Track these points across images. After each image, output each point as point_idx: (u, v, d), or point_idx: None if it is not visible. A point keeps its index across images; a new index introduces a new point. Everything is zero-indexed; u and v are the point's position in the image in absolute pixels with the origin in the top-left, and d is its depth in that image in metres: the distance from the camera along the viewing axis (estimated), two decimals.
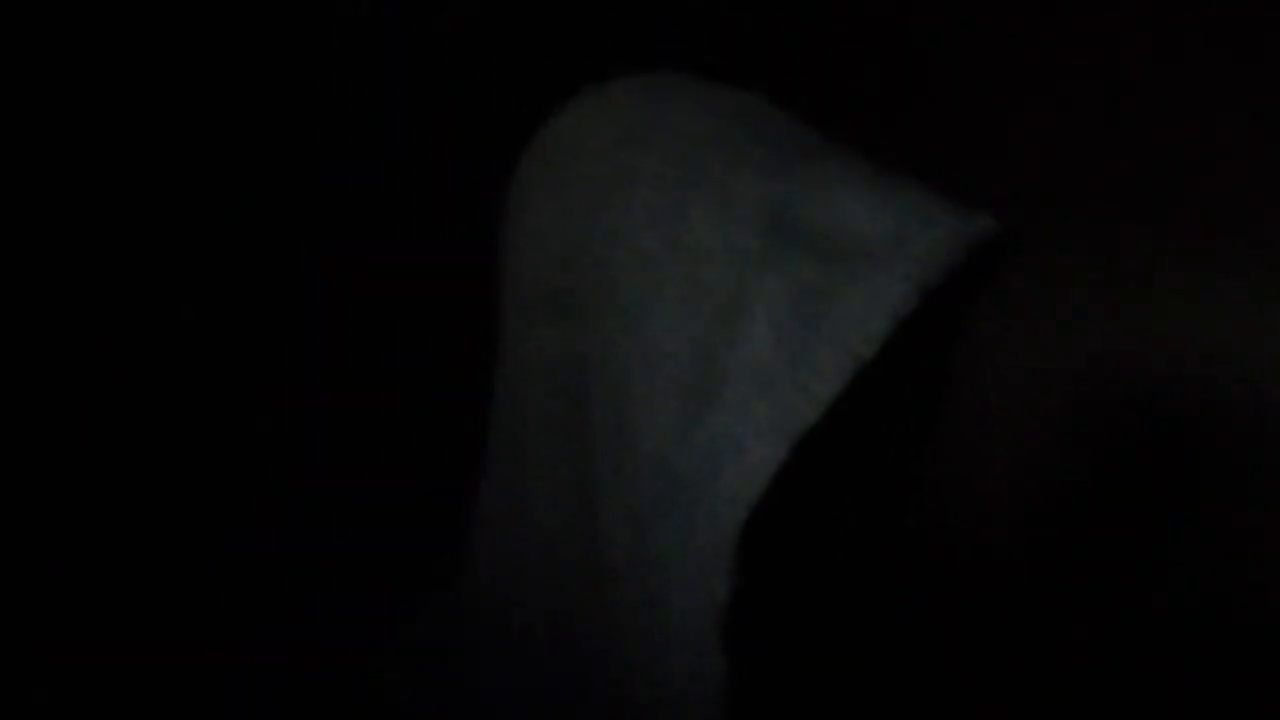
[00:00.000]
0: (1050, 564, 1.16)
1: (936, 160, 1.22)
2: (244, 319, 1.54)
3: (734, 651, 0.65)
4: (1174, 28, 1.19)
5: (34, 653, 1.47)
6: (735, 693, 0.65)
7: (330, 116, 1.55)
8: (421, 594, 0.78)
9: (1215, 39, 1.17)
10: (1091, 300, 1.15)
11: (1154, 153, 1.18)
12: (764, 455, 0.64)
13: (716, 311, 0.66)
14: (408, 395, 1.57)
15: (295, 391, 1.55)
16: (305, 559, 1.55)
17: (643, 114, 0.68)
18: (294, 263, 1.55)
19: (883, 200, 0.66)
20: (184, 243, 1.51)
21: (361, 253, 1.54)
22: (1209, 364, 1.13)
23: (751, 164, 0.66)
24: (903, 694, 1.06)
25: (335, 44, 1.52)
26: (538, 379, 0.69)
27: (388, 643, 0.75)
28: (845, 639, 0.75)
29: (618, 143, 0.67)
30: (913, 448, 0.73)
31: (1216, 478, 1.12)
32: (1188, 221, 1.16)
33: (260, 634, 1.51)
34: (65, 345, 1.48)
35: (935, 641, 1.11)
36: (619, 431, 0.66)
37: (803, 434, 0.64)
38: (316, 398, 1.55)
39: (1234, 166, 1.16)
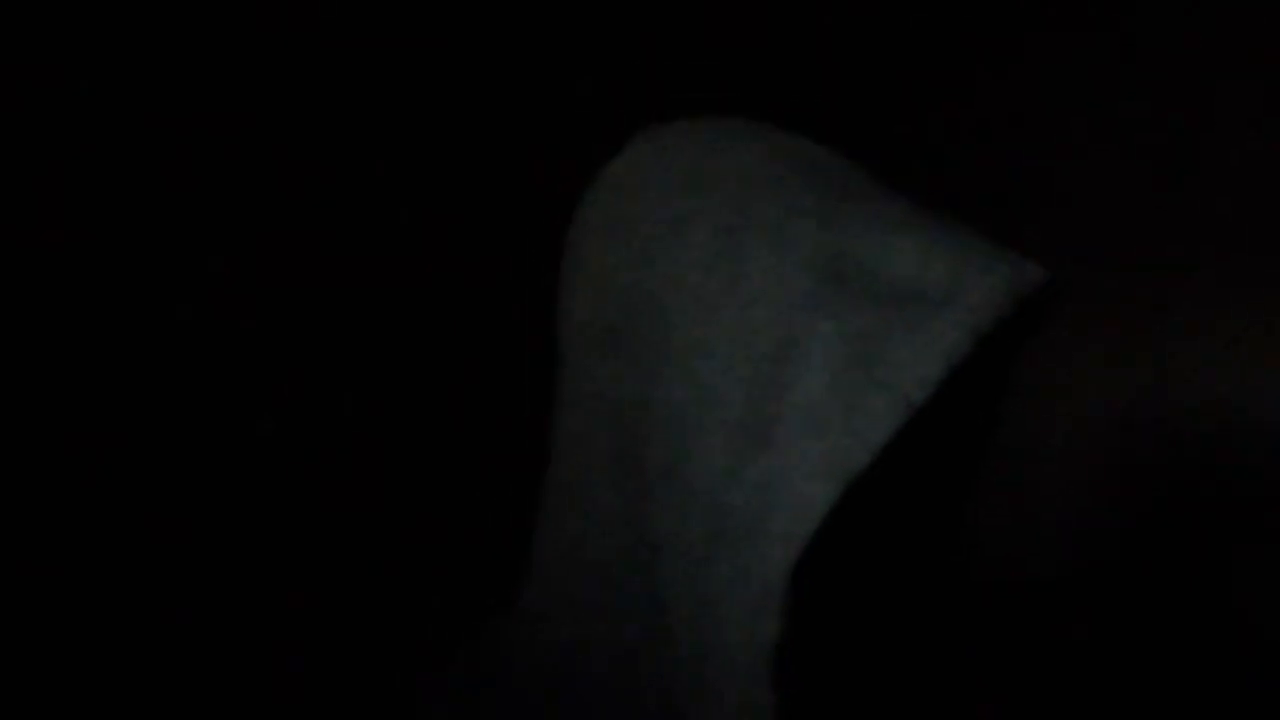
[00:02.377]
0: (1097, 602, 1.15)
1: (986, 204, 1.22)
2: (236, 309, 1.54)
3: (784, 687, 0.66)
4: (1212, 80, 1.19)
5: (35, 654, 1.46)
6: None
7: (382, 144, 1.55)
8: (477, 629, 0.80)
9: (1258, 94, 1.17)
10: (1138, 345, 1.15)
11: (1201, 200, 1.18)
12: (815, 496, 0.65)
13: (770, 354, 0.67)
14: (467, 432, 1.58)
15: (288, 385, 1.55)
16: (299, 557, 1.55)
17: (700, 157, 0.69)
18: (342, 291, 1.55)
19: (937, 246, 0.67)
20: (192, 243, 1.50)
21: (353, 241, 1.55)
22: (1252, 406, 1.12)
23: (806, 209, 0.67)
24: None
25: (383, 68, 1.52)
26: (595, 416, 0.70)
27: (443, 678, 0.76)
28: (894, 676, 0.75)
29: (675, 186, 0.69)
30: (962, 489, 0.74)
31: (1259, 517, 1.12)
32: (1232, 266, 1.16)
33: (255, 631, 1.51)
34: (65, 345, 1.48)
35: (982, 677, 1.11)
36: (672, 470, 0.68)
37: (854, 476, 0.65)
38: (309, 391, 1.55)
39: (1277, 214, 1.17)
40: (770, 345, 0.67)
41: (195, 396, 1.52)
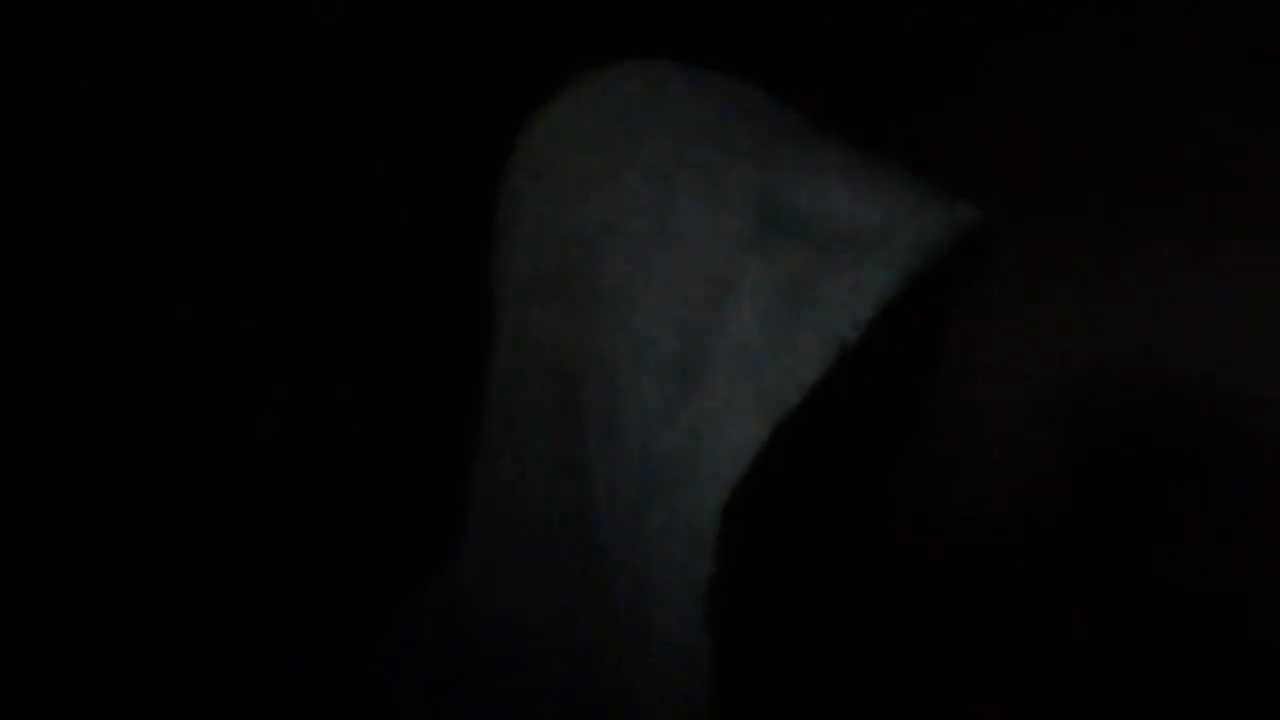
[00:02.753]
0: (1044, 554, 1.14)
1: (933, 157, 1.22)
2: (236, 309, 1.54)
3: (719, 629, 0.65)
4: (1173, 30, 1.18)
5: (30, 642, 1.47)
6: (720, 669, 0.65)
7: (382, 144, 1.56)
8: (420, 583, 0.80)
9: (1214, 45, 1.17)
10: (1087, 298, 1.15)
11: (1150, 154, 1.18)
12: (746, 437, 0.65)
13: (703, 297, 0.67)
14: (400, 388, 1.58)
15: (288, 385, 1.56)
16: (300, 557, 1.55)
17: (635, 101, 0.70)
18: (288, 253, 1.56)
19: (871, 188, 0.67)
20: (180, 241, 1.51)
21: (353, 241, 1.55)
22: (1200, 361, 1.12)
23: (741, 151, 0.67)
24: (887, 674, 1.06)
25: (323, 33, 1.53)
26: (531, 364, 0.70)
27: (388, 634, 0.76)
28: (828, 620, 0.75)
29: (610, 130, 0.69)
30: (899, 434, 0.73)
31: (1207, 472, 1.11)
32: (1183, 222, 1.15)
33: (255, 631, 1.51)
34: (65, 345, 1.49)
35: (920, 623, 1.11)
36: (607, 416, 0.68)
37: (785, 416, 0.65)
38: (309, 391, 1.56)
39: (1228, 170, 1.16)
40: (703, 288, 0.67)
41: (195, 396, 1.53)
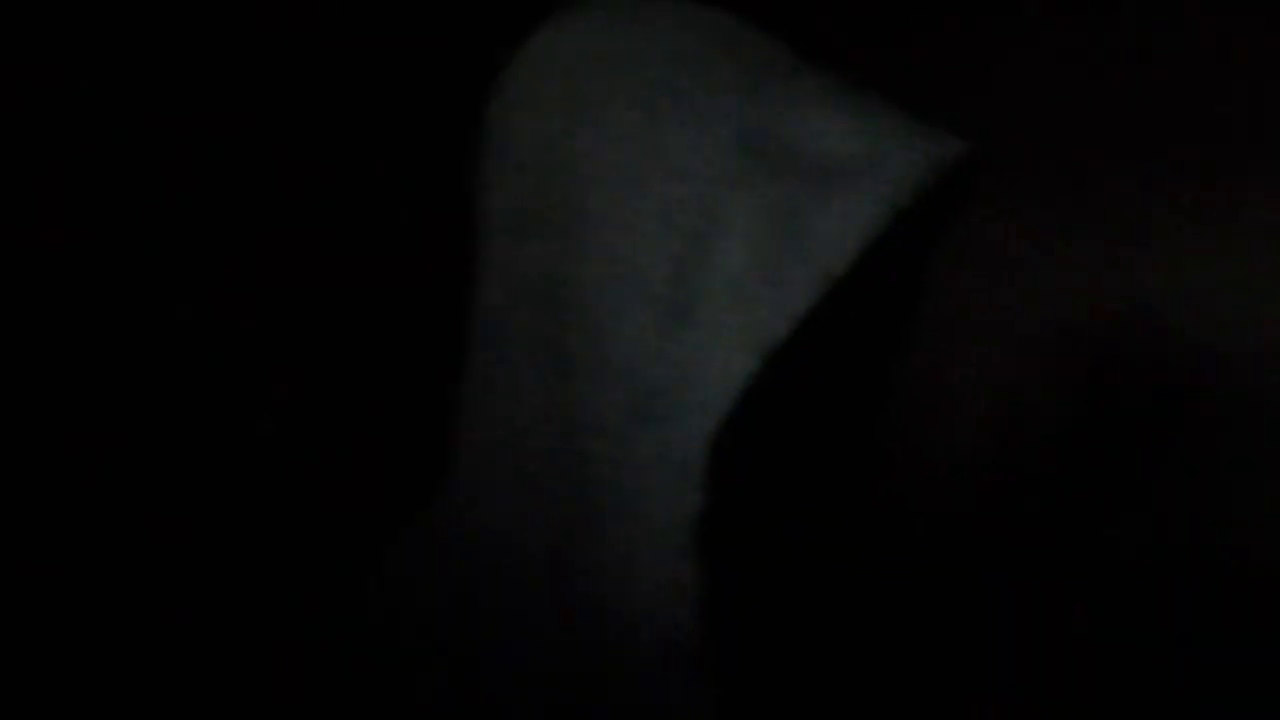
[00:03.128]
0: (1023, 506, 1.14)
1: (913, 96, 1.22)
2: (236, 309, 1.54)
3: (706, 560, 0.65)
4: None
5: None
6: (706, 601, 0.65)
7: (382, 144, 1.57)
8: (408, 513, 0.80)
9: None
10: (1071, 251, 1.15)
11: (1142, 105, 1.18)
12: (736, 367, 0.65)
13: (691, 229, 0.67)
14: (400, 388, 1.58)
15: (288, 385, 1.56)
16: (299, 557, 1.54)
17: (621, 33, 0.70)
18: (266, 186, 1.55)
19: (857, 121, 0.67)
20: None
21: (353, 241, 1.55)
22: (1184, 313, 1.12)
23: (725, 83, 0.68)
24: (870, 614, 1.06)
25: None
26: (516, 297, 0.71)
27: (376, 566, 0.76)
28: (814, 553, 0.75)
29: (594, 63, 0.70)
30: (884, 367, 0.74)
31: (1190, 425, 1.11)
32: (1169, 174, 1.15)
33: (255, 631, 1.51)
34: (65, 345, 1.49)
35: (904, 567, 1.10)
36: (596, 349, 0.68)
37: (774, 347, 0.66)
38: (309, 391, 1.56)
39: (1216, 124, 1.16)
40: (692, 221, 0.67)
41: (195, 396, 1.53)
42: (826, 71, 0.70)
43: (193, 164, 1.52)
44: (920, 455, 1.15)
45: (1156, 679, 1.10)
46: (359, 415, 1.58)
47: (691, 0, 0.73)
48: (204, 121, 1.52)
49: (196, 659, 1.49)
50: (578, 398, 0.68)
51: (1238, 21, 1.15)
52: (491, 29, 1.52)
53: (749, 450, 0.71)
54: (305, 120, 1.55)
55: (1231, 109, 1.15)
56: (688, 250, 0.67)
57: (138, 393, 1.51)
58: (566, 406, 0.69)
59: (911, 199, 0.66)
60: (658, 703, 0.66)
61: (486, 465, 0.71)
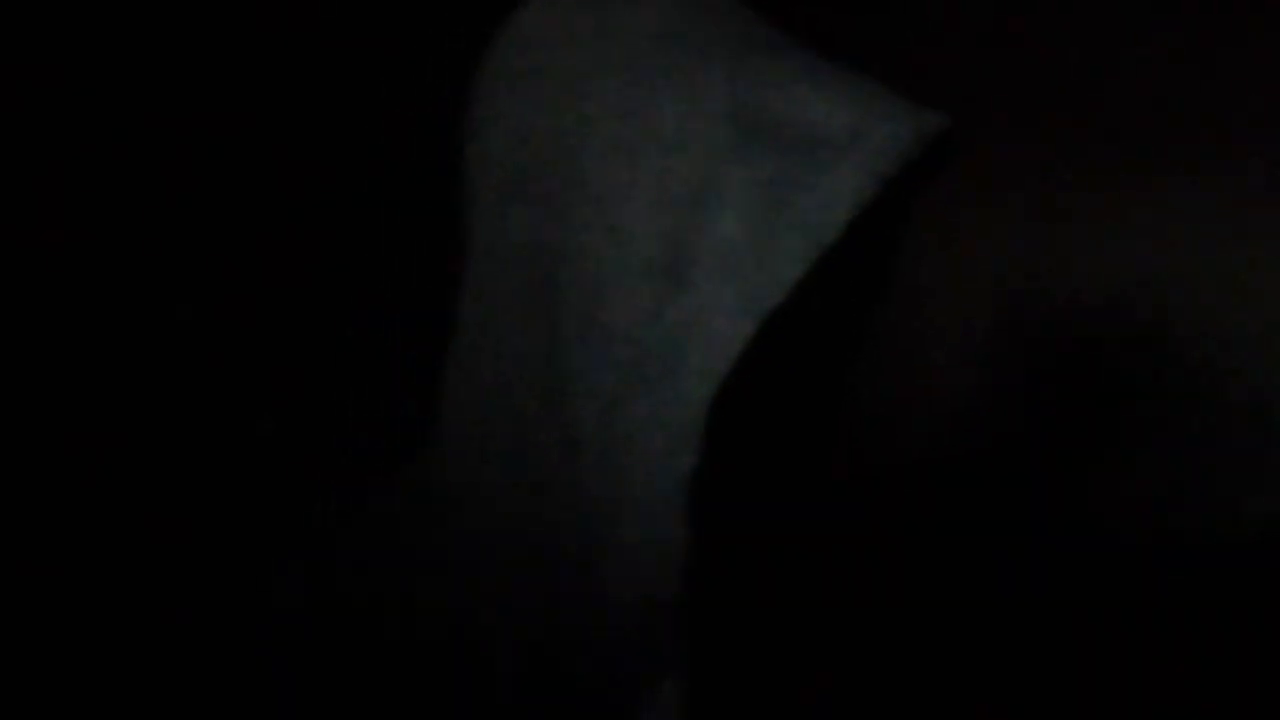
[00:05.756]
0: (984, 467, 1.16)
1: (898, 76, 1.24)
2: (236, 309, 1.55)
3: (696, 523, 0.68)
4: None
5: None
6: (693, 563, 0.68)
7: (382, 144, 1.58)
8: (388, 469, 0.82)
9: None
10: (1026, 216, 1.17)
11: (1123, 91, 1.20)
12: (732, 333, 0.68)
13: (685, 199, 0.70)
14: (400, 388, 1.58)
15: (288, 385, 1.56)
16: (289, 490, 1.54)
17: (607, 6, 0.73)
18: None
19: (842, 94, 0.70)
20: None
21: (353, 241, 1.56)
22: (1136, 281, 1.14)
23: (713, 55, 0.71)
24: (853, 575, 1.07)
25: None
26: (505, 260, 0.73)
27: (353, 517, 0.78)
28: (800, 513, 0.77)
29: (583, 35, 0.72)
30: (861, 332, 0.76)
31: (1142, 389, 1.13)
32: (1123, 143, 1.17)
33: (255, 631, 1.52)
34: (65, 345, 1.49)
35: (884, 536, 1.12)
36: (589, 312, 0.70)
37: (769, 313, 0.68)
38: (309, 391, 1.56)
39: (1169, 94, 1.18)
40: (686, 191, 0.70)
41: (195, 396, 1.54)
42: (809, 48, 0.73)
43: (192, 164, 1.53)
44: (898, 437, 1.17)
45: (1144, 667, 1.12)
46: (359, 416, 1.59)
47: None
48: (203, 121, 1.53)
49: (196, 659, 1.50)
50: (566, 361, 0.71)
51: (1223, 2, 1.18)
52: (474, 6, 1.53)
53: (744, 412, 0.73)
54: (304, 120, 1.56)
55: (1214, 96, 1.18)
56: (682, 220, 0.70)
57: (137, 392, 1.52)
58: (552, 369, 0.71)
59: (898, 170, 0.69)
60: (637, 659, 0.68)
61: (469, 423, 0.74)
